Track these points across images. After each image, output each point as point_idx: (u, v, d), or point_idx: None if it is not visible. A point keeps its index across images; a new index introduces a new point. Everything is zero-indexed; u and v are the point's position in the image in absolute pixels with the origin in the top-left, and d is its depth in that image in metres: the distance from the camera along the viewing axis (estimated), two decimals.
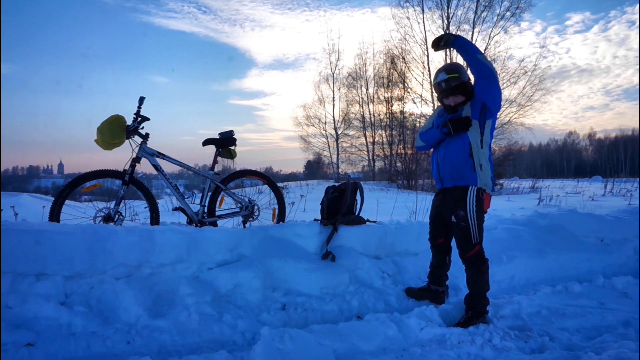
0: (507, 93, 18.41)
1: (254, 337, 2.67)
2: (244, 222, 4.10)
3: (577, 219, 4.79)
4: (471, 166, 2.84)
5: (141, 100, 3.68)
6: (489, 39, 18.11)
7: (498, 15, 17.97)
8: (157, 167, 3.74)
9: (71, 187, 3.41)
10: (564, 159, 64.50)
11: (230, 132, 4.05)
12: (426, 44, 19.21)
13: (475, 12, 18.11)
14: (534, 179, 25.45)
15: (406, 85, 20.60)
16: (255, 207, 4.14)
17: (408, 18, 19.36)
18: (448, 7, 18.49)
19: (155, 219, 3.66)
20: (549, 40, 63.08)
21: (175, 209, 3.86)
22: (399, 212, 7.00)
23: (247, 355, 2.32)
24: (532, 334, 2.71)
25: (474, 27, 18.23)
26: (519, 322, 2.92)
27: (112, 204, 3.55)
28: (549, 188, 15.47)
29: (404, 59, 20.11)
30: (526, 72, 18.04)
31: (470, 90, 2.92)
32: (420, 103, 19.99)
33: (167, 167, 3.84)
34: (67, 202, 3.43)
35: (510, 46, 18.43)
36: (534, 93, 18.06)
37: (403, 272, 3.76)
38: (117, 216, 3.51)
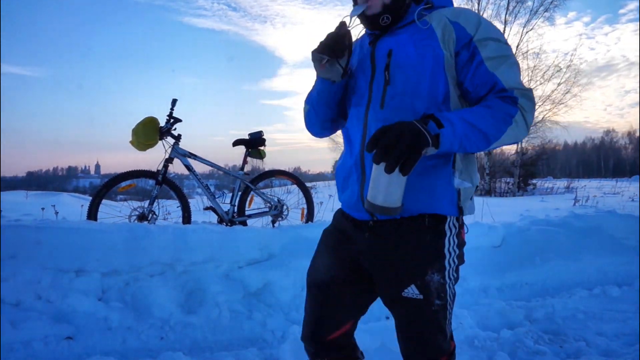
0: (540, 90, 17.90)
1: (283, 335, 2.69)
2: (273, 222, 4.15)
3: (616, 221, 4.61)
4: (450, 173, 1.20)
5: (173, 102, 3.78)
6: (522, 36, 17.64)
7: (531, 11, 17.48)
8: (189, 167, 3.84)
9: (107, 187, 3.53)
10: (601, 158, 62.13)
11: (260, 133, 4.10)
12: None
13: (507, 8, 17.67)
14: (569, 178, 24.63)
15: None
16: (284, 207, 4.17)
17: None
18: (479, 3, 18.11)
19: (187, 218, 3.75)
20: (597, 30, 59.28)
21: (206, 208, 3.95)
22: None
23: (277, 353, 2.35)
24: (567, 339, 2.63)
25: (505, 24, 17.79)
26: (553, 325, 2.84)
27: (146, 203, 3.66)
28: (585, 188, 14.93)
29: None
30: (560, 69, 17.47)
31: None
32: None
33: (199, 168, 3.93)
34: (103, 201, 3.56)
35: (545, 42, 17.92)
36: (570, 89, 17.46)
37: None
38: (150, 215, 3.62)
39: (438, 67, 1.16)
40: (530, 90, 1.15)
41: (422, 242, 1.21)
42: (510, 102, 1.12)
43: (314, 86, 1.36)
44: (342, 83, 1.28)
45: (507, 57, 1.15)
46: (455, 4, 1.33)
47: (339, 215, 1.41)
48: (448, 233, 1.22)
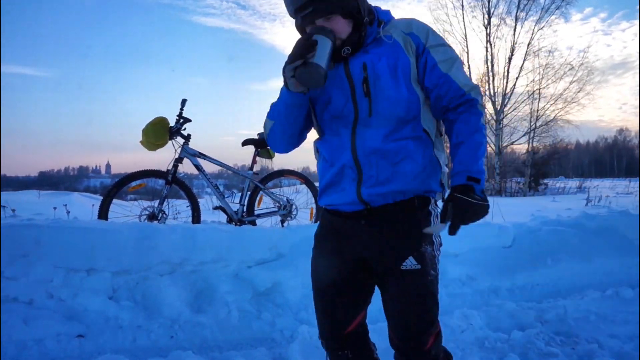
0: (552, 89, 17.71)
1: (292, 335, 2.69)
2: (282, 221, 4.15)
3: (629, 221, 4.54)
4: (436, 165, 1.41)
5: (183, 102, 3.80)
6: (533, 34, 17.44)
7: (542, 8, 17.28)
8: (198, 167, 3.85)
9: (118, 186, 3.57)
10: (614, 158, 61.31)
11: None
12: (466, 41, 18.74)
13: (518, 6, 17.50)
14: (581, 178, 24.35)
15: None
16: (293, 207, 4.17)
17: (447, 14, 18.94)
18: (489, 1, 17.95)
19: (196, 217, 3.77)
20: (614, 27, 57.37)
21: (216, 207, 3.96)
22: None
23: (286, 353, 2.36)
24: (579, 340, 2.60)
25: (516, 21, 17.62)
26: (564, 327, 2.80)
27: (156, 203, 3.69)
28: (597, 188, 14.73)
29: None
30: (572, 67, 17.25)
31: (356, 9, 1.32)
32: None
33: (208, 167, 3.94)
34: (114, 200, 3.59)
35: (559, 39, 17.70)
36: (583, 87, 17.23)
37: (442, 273, 3.69)
38: (160, 214, 3.64)
39: (408, 73, 1.35)
40: (477, 86, 1.39)
41: (414, 220, 1.38)
42: (474, 106, 1.36)
43: (279, 101, 1.40)
44: (308, 95, 1.37)
45: (455, 59, 1.37)
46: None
47: (327, 216, 1.52)
48: (432, 212, 1.42)
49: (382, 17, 1.41)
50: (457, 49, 18.97)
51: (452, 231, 1.26)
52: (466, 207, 1.24)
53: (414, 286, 1.40)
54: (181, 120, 3.76)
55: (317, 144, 1.50)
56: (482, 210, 1.26)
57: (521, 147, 18.82)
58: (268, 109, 1.45)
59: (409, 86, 1.35)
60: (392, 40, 1.36)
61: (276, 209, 4.13)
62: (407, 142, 1.35)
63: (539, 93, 17.79)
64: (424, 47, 1.35)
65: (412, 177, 1.36)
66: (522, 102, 18.10)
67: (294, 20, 1.38)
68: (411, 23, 1.40)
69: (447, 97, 1.36)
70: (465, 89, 1.36)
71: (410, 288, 1.40)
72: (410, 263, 1.38)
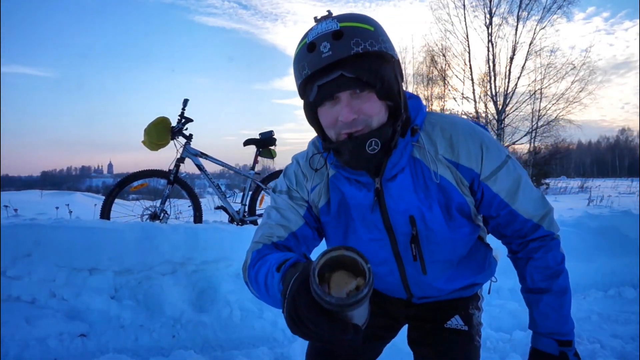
0: (554, 88, 17.66)
1: (294, 334, 2.69)
2: None
3: (632, 221, 4.53)
4: (486, 255, 1.29)
5: (185, 102, 3.81)
6: (535, 33, 17.40)
7: (544, 8, 17.24)
8: (200, 167, 3.86)
9: (120, 186, 3.57)
10: (616, 157, 61.20)
11: (270, 132, 4.11)
12: (467, 40, 18.71)
13: (520, 6, 17.46)
14: (583, 178, 24.31)
15: (447, 82, 20.15)
16: None
17: (448, 14, 18.92)
18: (491, 1, 17.92)
19: (198, 217, 3.77)
20: (617, 26, 56.94)
21: (218, 207, 3.97)
22: None
23: (287, 352, 2.36)
24: (581, 341, 2.59)
25: (517, 21, 17.59)
26: None
27: (157, 203, 3.69)
28: (599, 188, 14.71)
29: (444, 55, 19.67)
30: (574, 67, 17.20)
31: (397, 90, 0.96)
32: (462, 101, 19.51)
33: (210, 167, 3.95)
34: (116, 200, 3.60)
35: (561, 38, 17.64)
36: (585, 87, 17.18)
37: None
38: (162, 214, 3.65)
39: (469, 212, 1.07)
40: (549, 211, 1.09)
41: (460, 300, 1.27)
42: (549, 240, 1.10)
43: (268, 299, 0.94)
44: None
45: (518, 181, 1.04)
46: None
47: None
48: (481, 298, 1.34)
49: (417, 122, 1.02)
50: (459, 48, 18.98)
51: None
52: None
53: (459, 349, 1.19)
54: (183, 120, 3.77)
55: None
56: None
57: (523, 147, 18.77)
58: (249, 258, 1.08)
59: (468, 224, 1.09)
60: (439, 178, 1.01)
61: None
62: (467, 267, 1.18)
63: (541, 93, 17.74)
64: (478, 182, 1.03)
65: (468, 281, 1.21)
66: (524, 101, 18.05)
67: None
68: (454, 144, 1.02)
69: (509, 229, 1.09)
70: (535, 220, 1.07)
71: (455, 350, 1.19)
72: (456, 322, 1.21)
